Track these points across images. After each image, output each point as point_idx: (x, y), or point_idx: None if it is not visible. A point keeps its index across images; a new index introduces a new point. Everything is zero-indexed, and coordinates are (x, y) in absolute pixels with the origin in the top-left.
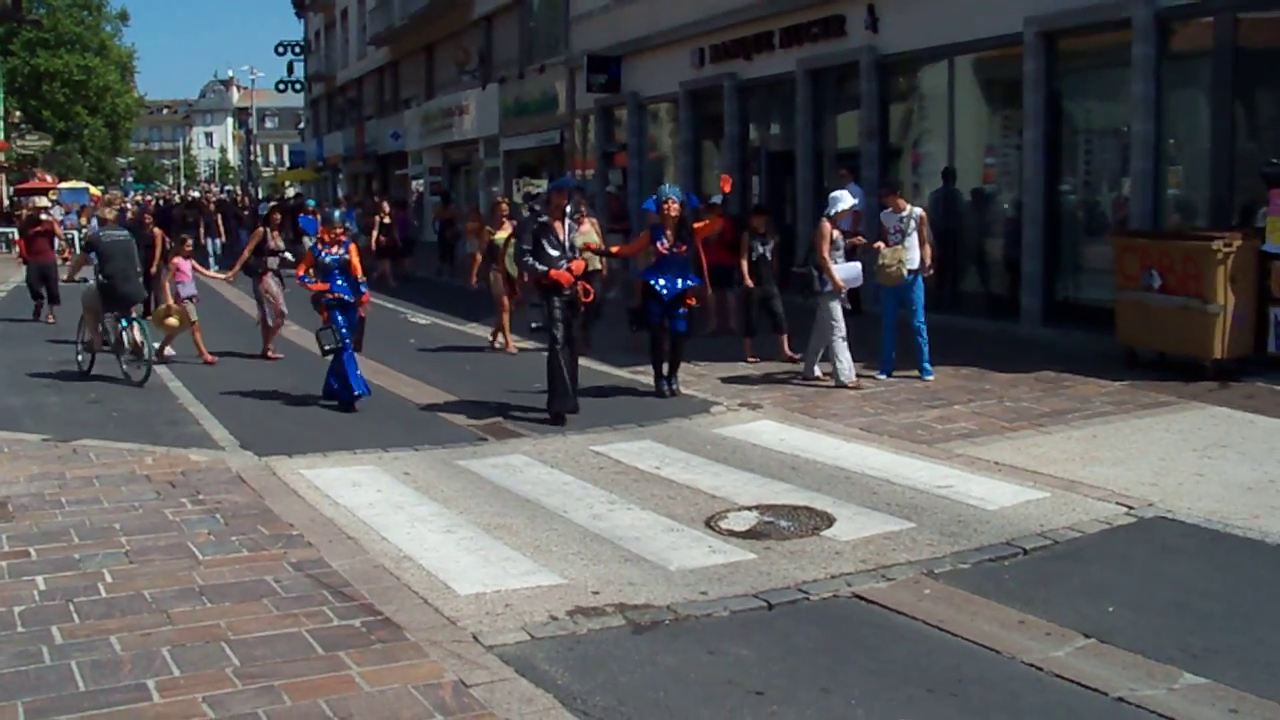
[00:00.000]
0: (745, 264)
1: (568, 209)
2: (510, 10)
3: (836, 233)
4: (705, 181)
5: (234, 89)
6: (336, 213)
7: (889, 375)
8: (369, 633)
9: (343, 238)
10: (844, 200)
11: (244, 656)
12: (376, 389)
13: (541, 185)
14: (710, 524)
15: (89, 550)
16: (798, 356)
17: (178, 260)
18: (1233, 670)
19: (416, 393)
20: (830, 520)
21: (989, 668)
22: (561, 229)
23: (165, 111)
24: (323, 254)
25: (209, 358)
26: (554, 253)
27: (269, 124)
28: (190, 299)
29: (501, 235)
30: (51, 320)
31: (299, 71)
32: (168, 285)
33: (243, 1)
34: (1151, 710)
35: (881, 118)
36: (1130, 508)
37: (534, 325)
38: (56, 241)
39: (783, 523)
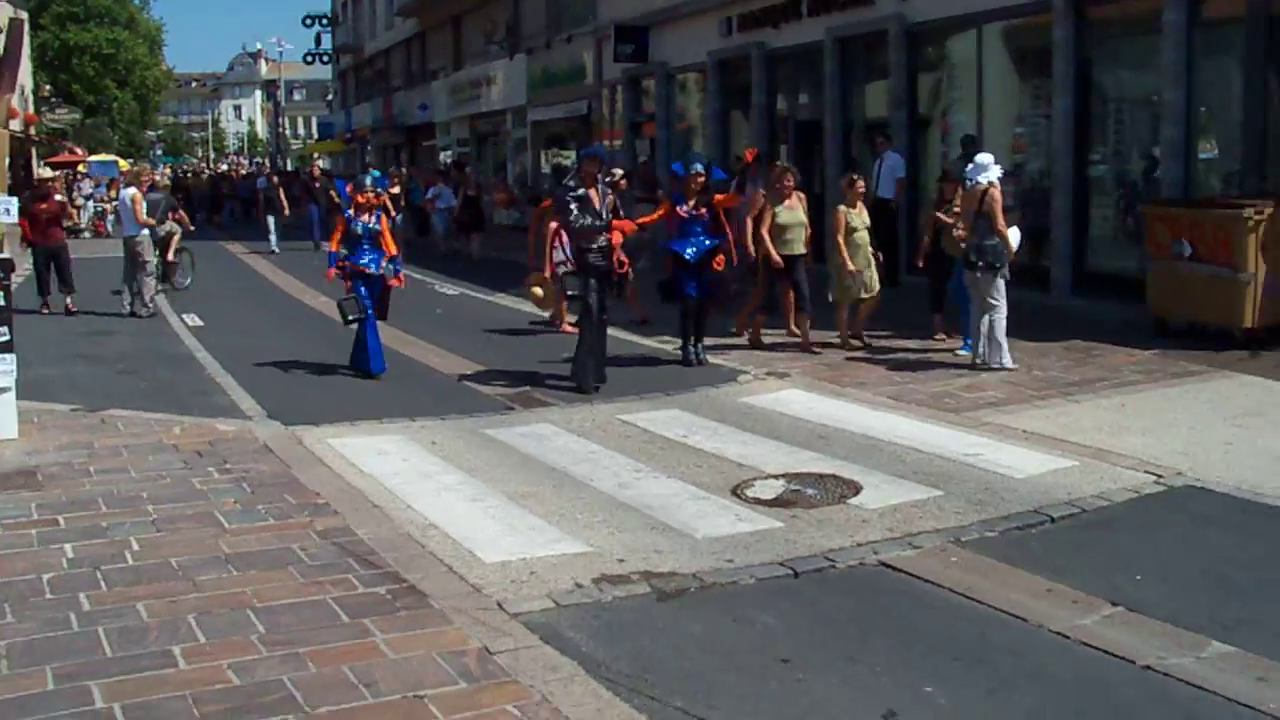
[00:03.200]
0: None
1: (600, 177)
2: None
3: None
4: (733, 151)
5: (262, 62)
6: (369, 177)
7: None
8: (394, 600)
9: (376, 203)
10: (994, 166)
11: (269, 624)
12: (404, 359)
13: (570, 156)
14: (737, 492)
15: (117, 519)
16: (798, 332)
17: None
18: (1261, 639)
19: (444, 362)
20: (857, 488)
21: (1016, 636)
22: (597, 196)
23: (194, 85)
24: (354, 222)
25: (567, 327)
26: (594, 220)
27: (297, 96)
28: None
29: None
30: (72, 309)
31: (326, 43)
32: (549, 252)
33: None
34: (1179, 679)
35: (910, 87)
36: (1159, 477)
37: (569, 293)
38: (82, 217)
39: (809, 491)
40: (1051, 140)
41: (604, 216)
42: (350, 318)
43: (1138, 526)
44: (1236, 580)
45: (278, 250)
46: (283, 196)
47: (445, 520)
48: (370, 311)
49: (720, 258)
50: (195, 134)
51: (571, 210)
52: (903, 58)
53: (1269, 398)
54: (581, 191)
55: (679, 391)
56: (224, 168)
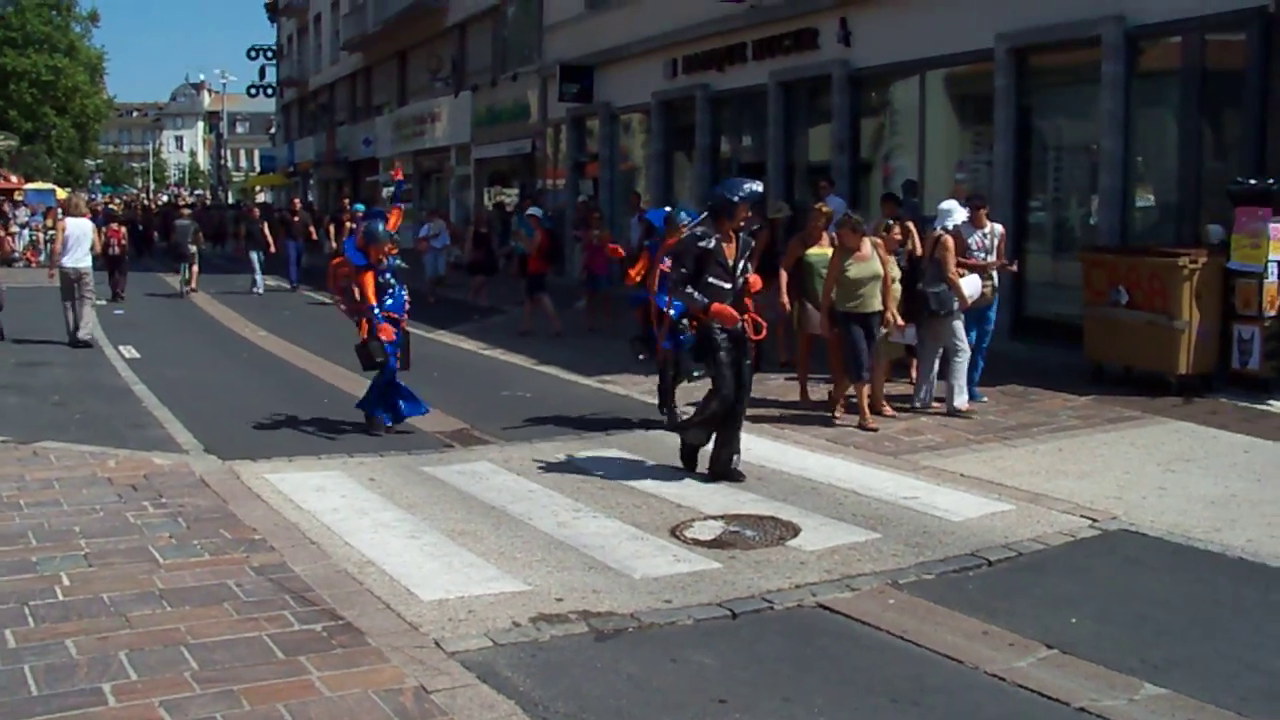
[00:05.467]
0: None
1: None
2: (484, 18)
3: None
4: (677, 193)
5: (205, 93)
6: (379, 225)
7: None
8: (330, 637)
9: (393, 252)
10: (958, 212)
11: (203, 660)
12: (342, 394)
13: (512, 194)
14: (675, 533)
15: (47, 553)
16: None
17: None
18: (1192, 681)
19: None
20: (796, 530)
21: (952, 678)
22: (733, 250)
23: (135, 114)
24: (380, 272)
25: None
26: (721, 283)
27: (240, 129)
28: None
29: (820, 252)
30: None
31: (271, 76)
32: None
33: (215, 5)
34: None
35: (853, 131)
36: (1094, 520)
37: (640, 357)
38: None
39: (748, 532)
40: (992, 186)
41: (737, 277)
42: (378, 359)
43: (1073, 569)
44: (1168, 622)
45: (261, 291)
46: (267, 231)
47: (382, 557)
48: (393, 360)
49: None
50: (135, 164)
51: (685, 269)
52: (846, 102)
53: (1201, 443)
54: (713, 242)
55: (618, 431)
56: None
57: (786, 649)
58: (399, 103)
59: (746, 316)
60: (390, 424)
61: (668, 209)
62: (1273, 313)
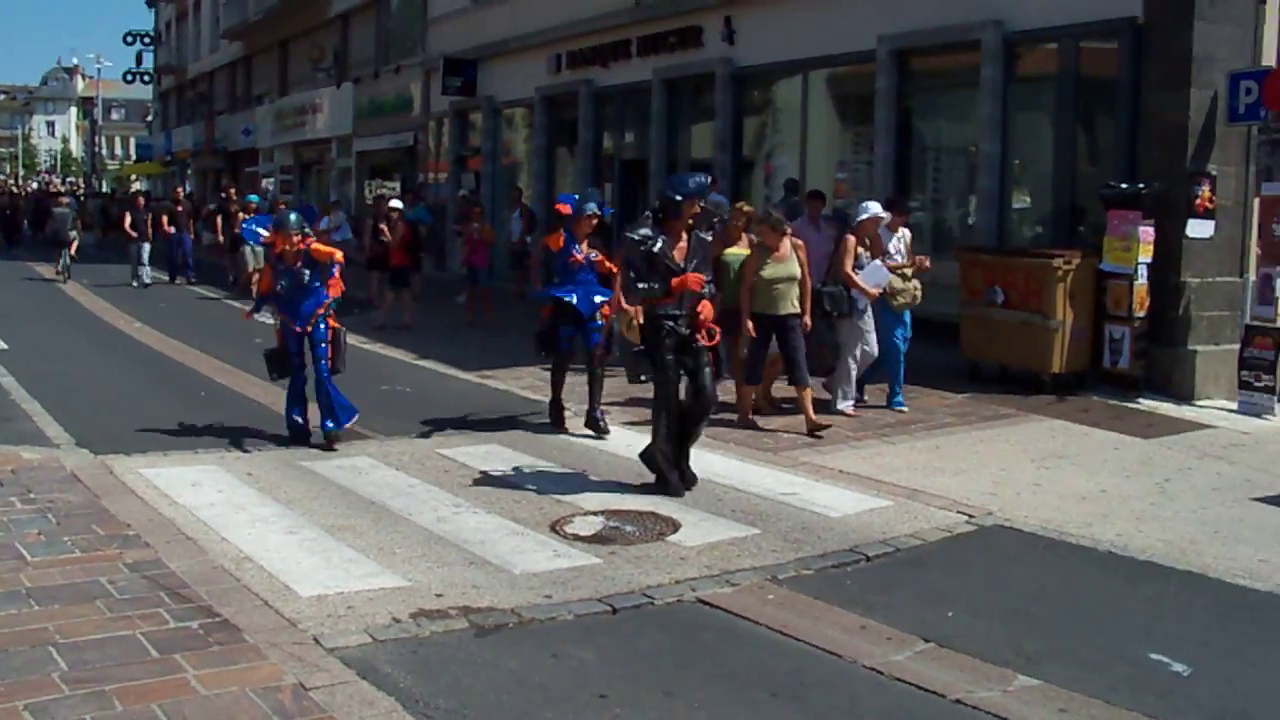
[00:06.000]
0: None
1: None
2: (367, 9)
3: (860, 248)
4: (558, 188)
5: (79, 78)
6: (292, 215)
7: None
8: (206, 635)
9: (301, 248)
10: (870, 209)
11: (73, 661)
12: (220, 388)
13: (393, 188)
14: (555, 528)
15: None
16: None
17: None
18: (1064, 671)
19: (262, 392)
20: (676, 526)
21: (831, 671)
22: (684, 251)
23: (3, 97)
24: (279, 274)
25: None
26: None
27: (115, 115)
28: None
29: (738, 253)
30: None
31: (148, 62)
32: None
33: None
34: (987, 711)
35: (736, 129)
36: (970, 516)
37: (641, 379)
38: None
39: (628, 528)
40: (873, 185)
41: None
42: (274, 375)
43: (949, 564)
44: (1041, 615)
45: (149, 282)
46: (165, 222)
47: (260, 553)
48: (310, 367)
49: (607, 308)
50: (3, 149)
51: (633, 272)
52: (729, 100)
53: (1073, 440)
54: (658, 245)
55: (499, 427)
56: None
57: (667, 644)
58: (280, 93)
59: (700, 319)
60: (332, 428)
61: (576, 196)
62: (1142, 313)
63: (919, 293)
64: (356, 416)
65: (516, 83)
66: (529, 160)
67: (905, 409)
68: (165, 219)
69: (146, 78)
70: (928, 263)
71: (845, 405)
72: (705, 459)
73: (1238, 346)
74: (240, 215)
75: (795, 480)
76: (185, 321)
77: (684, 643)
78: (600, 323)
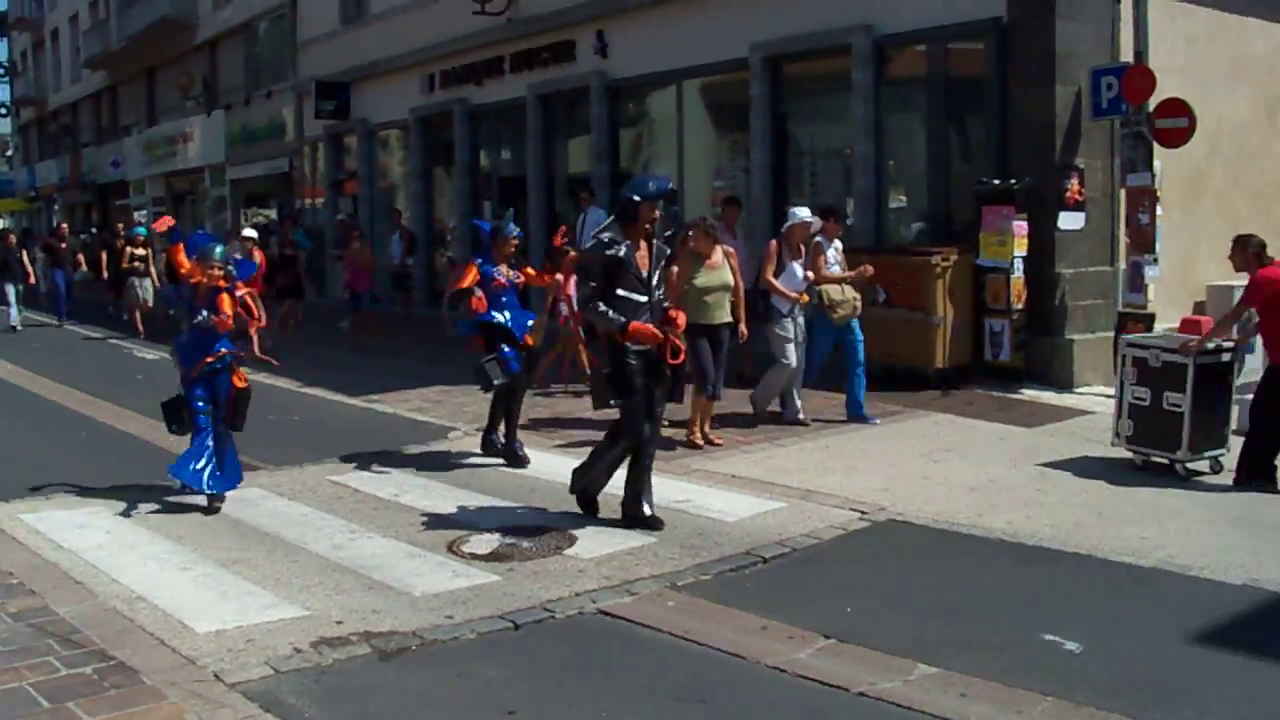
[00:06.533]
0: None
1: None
2: (235, 34)
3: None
4: (437, 209)
5: None
6: (217, 247)
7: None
8: (101, 679)
9: (217, 282)
10: (797, 214)
11: None
12: (100, 427)
13: (269, 215)
14: (452, 548)
15: None
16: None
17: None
18: (962, 658)
19: (144, 429)
20: (572, 539)
21: (735, 673)
22: (646, 259)
23: None
24: (195, 311)
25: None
26: (635, 297)
27: None
28: None
29: None
30: None
31: (4, 94)
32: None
33: None
34: (890, 702)
35: (612, 141)
36: (864, 513)
37: (610, 403)
38: None
39: (525, 543)
40: (751, 191)
41: (653, 289)
42: (173, 427)
43: (846, 561)
44: (938, 605)
45: (19, 326)
46: (26, 260)
47: (153, 591)
48: (205, 420)
49: (530, 338)
50: None
51: (593, 282)
52: (604, 113)
53: (960, 433)
54: (623, 250)
55: (389, 450)
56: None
57: (570, 656)
58: (148, 122)
59: (668, 337)
60: (211, 491)
61: (497, 220)
62: (1020, 306)
63: (859, 303)
64: (240, 484)
65: (390, 104)
66: (406, 182)
67: (878, 421)
68: (47, 257)
69: (4, 110)
70: (870, 270)
71: (795, 413)
72: None
73: (1112, 334)
74: (127, 250)
75: (689, 487)
76: (63, 361)
77: (587, 654)
78: (522, 353)
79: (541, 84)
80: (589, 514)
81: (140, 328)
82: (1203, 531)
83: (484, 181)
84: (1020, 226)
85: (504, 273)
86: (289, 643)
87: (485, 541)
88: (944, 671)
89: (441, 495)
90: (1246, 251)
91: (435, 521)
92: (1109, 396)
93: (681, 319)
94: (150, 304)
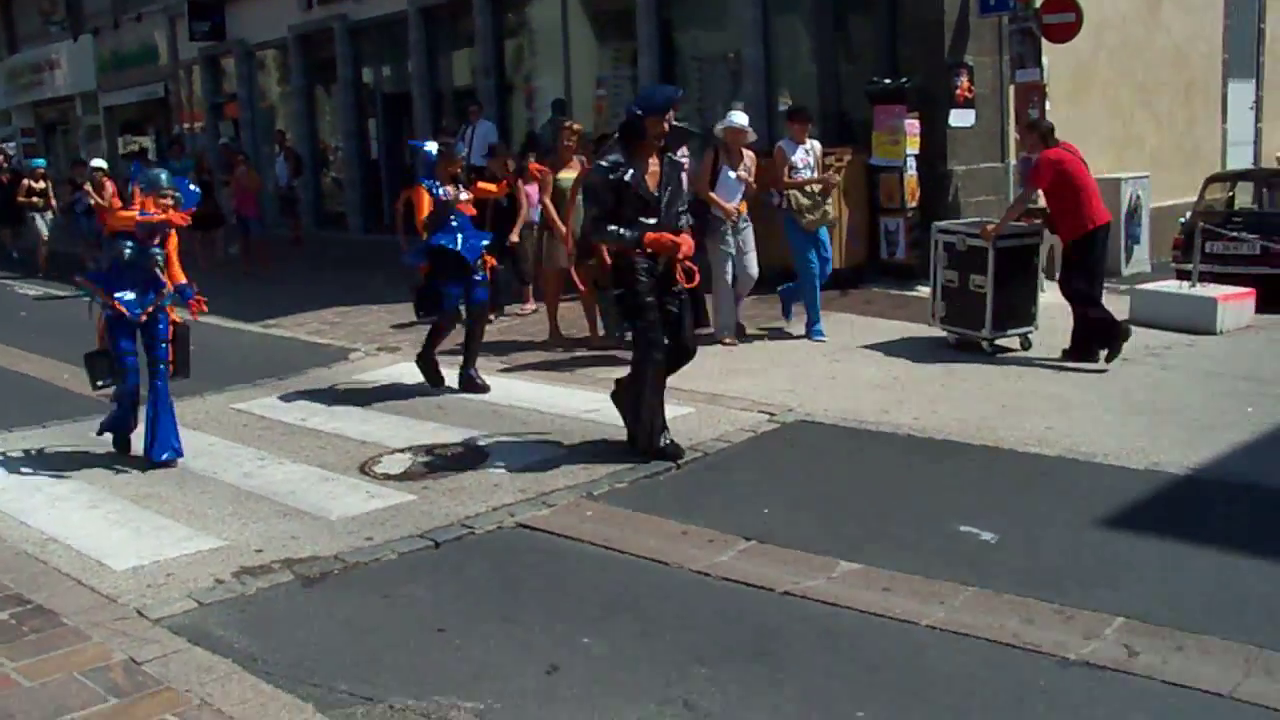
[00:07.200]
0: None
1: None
2: None
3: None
4: (320, 129)
5: None
6: (162, 174)
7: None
8: (20, 624)
9: (162, 217)
10: (731, 120)
11: None
12: None
13: (146, 142)
14: (365, 470)
15: None
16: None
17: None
18: (882, 552)
19: (37, 368)
20: (485, 454)
21: (659, 579)
22: (656, 177)
23: None
24: (117, 241)
25: None
26: (645, 220)
27: None
28: None
29: (569, 176)
30: None
31: None
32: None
33: None
34: (815, 599)
35: (497, 54)
36: (772, 415)
37: (626, 326)
38: None
39: (437, 461)
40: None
41: (663, 209)
42: (99, 383)
43: (758, 463)
44: (853, 502)
45: None
46: None
47: (65, 532)
48: (131, 376)
49: (490, 257)
50: None
51: (601, 203)
52: (488, 25)
53: (859, 331)
54: (629, 174)
55: (290, 374)
56: None
57: (494, 571)
58: (10, 50)
59: (680, 257)
60: (164, 456)
61: (444, 137)
62: (914, 204)
63: (830, 209)
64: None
65: (268, 23)
66: (288, 102)
67: (825, 338)
68: None
69: None
70: (837, 178)
71: (724, 335)
72: (504, 385)
73: None
74: (27, 184)
75: (594, 398)
76: None
77: (511, 568)
78: (484, 275)
79: None
80: (674, 458)
81: (44, 264)
82: (1104, 420)
83: (368, 99)
84: (912, 125)
85: (450, 191)
86: (210, 574)
87: (398, 461)
88: (866, 567)
89: (348, 417)
90: (1033, 134)
91: (344, 444)
92: None
93: (688, 246)
94: (47, 239)
